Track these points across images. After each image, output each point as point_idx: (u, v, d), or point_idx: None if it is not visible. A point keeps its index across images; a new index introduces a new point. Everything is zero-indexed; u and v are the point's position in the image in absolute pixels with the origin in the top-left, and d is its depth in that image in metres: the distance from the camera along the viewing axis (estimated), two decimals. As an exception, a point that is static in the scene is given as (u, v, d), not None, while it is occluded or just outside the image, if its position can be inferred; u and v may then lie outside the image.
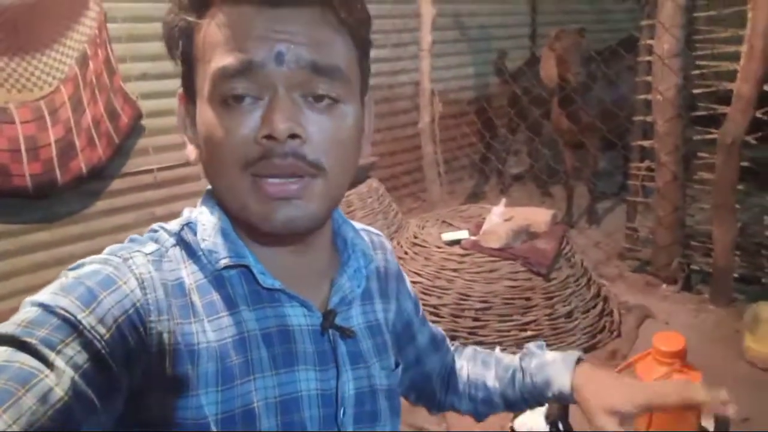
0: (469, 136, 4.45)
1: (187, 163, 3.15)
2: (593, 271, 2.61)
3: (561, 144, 3.68)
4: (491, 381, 0.79)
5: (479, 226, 2.45)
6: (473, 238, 2.35)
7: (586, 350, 2.18)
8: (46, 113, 2.50)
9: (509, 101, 4.20)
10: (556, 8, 4.70)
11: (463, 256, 2.28)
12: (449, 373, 0.83)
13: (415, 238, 2.47)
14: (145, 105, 2.93)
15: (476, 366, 0.82)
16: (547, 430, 0.81)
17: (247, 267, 0.55)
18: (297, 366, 0.56)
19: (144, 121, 2.98)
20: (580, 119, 3.37)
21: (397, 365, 0.70)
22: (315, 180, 0.51)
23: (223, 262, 0.55)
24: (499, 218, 2.40)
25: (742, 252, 2.60)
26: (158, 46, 3.25)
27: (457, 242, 2.36)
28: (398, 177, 4.30)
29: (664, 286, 2.72)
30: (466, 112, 4.49)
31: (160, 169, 3.08)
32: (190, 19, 0.52)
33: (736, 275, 2.53)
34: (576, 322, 2.23)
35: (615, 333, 2.30)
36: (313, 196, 0.52)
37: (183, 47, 0.54)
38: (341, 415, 0.58)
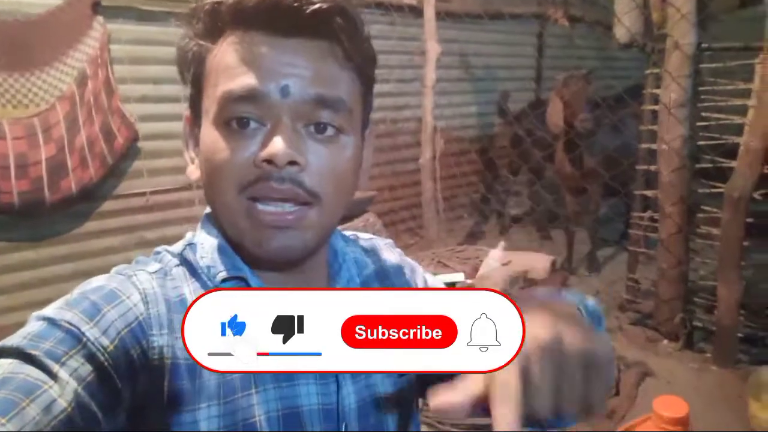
0: (469, 175, 4.41)
1: (181, 188, 3.09)
2: (592, 322, 2.51)
3: (563, 188, 3.64)
4: None
5: (476, 269, 2.37)
6: (469, 281, 2.27)
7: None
8: (39, 130, 2.46)
9: (511, 142, 4.18)
10: (562, 52, 4.72)
11: (457, 300, 2.19)
12: None
13: (409, 278, 2.38)
14: (143, 127, 2.87)
15: None
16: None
17: (244, 280, 0.56)
18: (298, 379, 0.55)
19: (140, 144, 2.92)
20: (583, 164, 3.33)
21: None
22: (310, 209, 0.52)
23: (221, 275, 0.55)
24: (497, 262, 2.33)
25: (747, 311, 2.51)
26: (160, 69, 3.21)
27: (451, 286, 2.28)
28: (397, 212, 4.25)
29: (665, 341, 2.62)
30: (468, 151, 4.46)
31: (153, 193, 3.02)
32: (203, 43, 0.53)
33: (740, 335, 2.44)
34: (572, 377, 2.12)
35: (613, 391, 2.19)
36: (308, 226, 0.52)
37: (194, 71, 0.54)
38: (344, 429, 0.58)
